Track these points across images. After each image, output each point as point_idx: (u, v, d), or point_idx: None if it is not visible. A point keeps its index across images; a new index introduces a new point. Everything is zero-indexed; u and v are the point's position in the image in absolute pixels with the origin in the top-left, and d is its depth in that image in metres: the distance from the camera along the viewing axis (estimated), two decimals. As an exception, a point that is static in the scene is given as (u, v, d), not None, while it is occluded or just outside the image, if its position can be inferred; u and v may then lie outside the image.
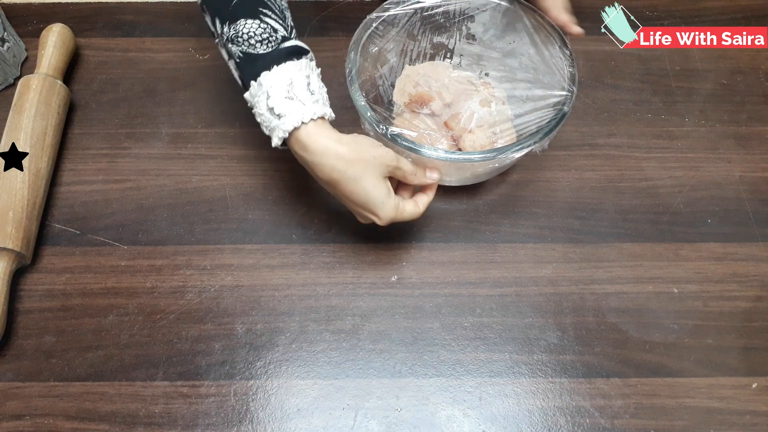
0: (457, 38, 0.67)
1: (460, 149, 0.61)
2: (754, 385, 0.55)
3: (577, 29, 0.59)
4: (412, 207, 0.55)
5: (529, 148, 0.55)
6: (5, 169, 0.60)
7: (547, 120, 0.56)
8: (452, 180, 0.63)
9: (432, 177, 0.56)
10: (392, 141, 0.54)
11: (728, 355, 0.57)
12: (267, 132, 0.53)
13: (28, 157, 0.61)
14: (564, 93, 0.56)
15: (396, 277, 0.60)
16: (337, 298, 0.59)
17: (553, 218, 0.64)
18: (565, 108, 0.56)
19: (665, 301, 0.59)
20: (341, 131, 0.68)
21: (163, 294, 0.59)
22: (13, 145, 0.61)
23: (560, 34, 0.60)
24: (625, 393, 0.55)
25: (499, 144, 0.62)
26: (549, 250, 0.62)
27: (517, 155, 0.54)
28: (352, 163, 0.50)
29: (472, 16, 0.65)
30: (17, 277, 0.60)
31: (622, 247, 0.62)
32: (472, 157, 0.54)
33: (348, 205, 0.54)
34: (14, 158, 0.60)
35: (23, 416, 0.54)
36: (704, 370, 0.56)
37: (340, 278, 0.60)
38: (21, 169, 0.60)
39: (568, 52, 0.59)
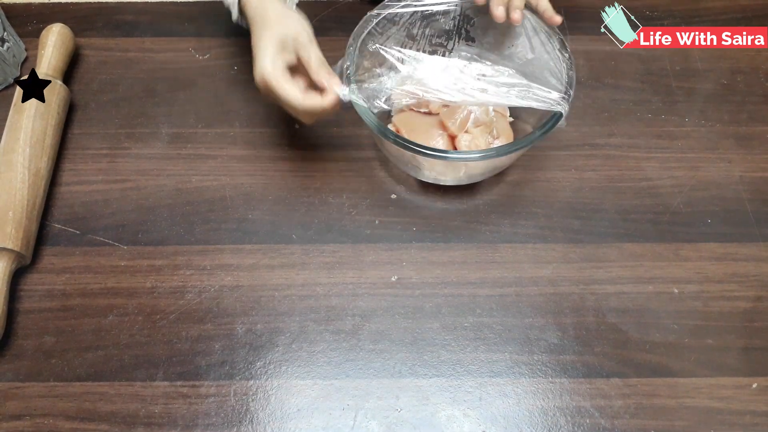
0: (456, 40, 0.67)
1: (456, 149, 0.61)
2: (755, 385, 0.55)
3: (556, 18, 0.59)
4: (294, 91, 0.55)
5: (525, 149, 0.55)
6: (23, 101, 0.62)
7: (544, 121, 0.57)
8: (447, 180, 0.63)
9: (333, 91, 0.56)
10: (390, 140, 0.54)
11: (728, 355, 0.57)
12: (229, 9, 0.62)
13: (28, 156, 0.61)
14: (561, 96, 0.56)
15: (396, 277, 0.60)
16: (337, 298, 0.59)
17: (553, 218, 0.64)
18: (561, 109, 0.56)
19: (665, 301, 0.59)
20: (341, 132, 0.69)
21: (163, 294, 0.59)
22: (33, 73, 0.61)
23: (560, 37, 0.60)
24: (625, 393, 0.55)
25: (496, 144, 0.62)
26: (549, 250, 0.62)
27: (513, 156, 0.54)
28: (266, 18, 0.57)
29: (472, 18, 0.64)
30: (17, 277, 0.59)
31: (623, 247, 0.62)
32: (466, 156, 0.55)
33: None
34: (35, 87, 0.60)
35: (23, 416, 0.53)
36: (704, 370, 0.56)
37: (340, 278, 0.60)
38: (42, 100, 0.60)
39: (567, 55, 0.59)
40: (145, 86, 0.72)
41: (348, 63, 0.58)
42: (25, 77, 0.64)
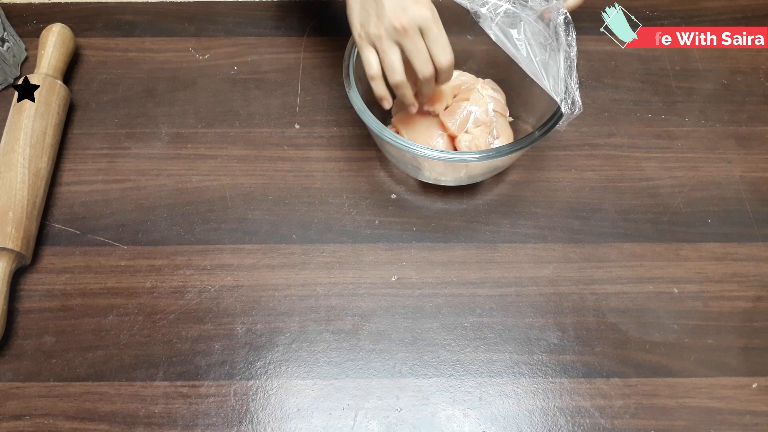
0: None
1: (456, 149, 0.61)
2: (755, 385, 0.55)
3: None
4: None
5: (525, 149, 0.54)
6: (18, 101, 0.62)
7: (544, 121, 0.56)
8: (448, 180, 0.63)
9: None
10: (389, 140, 0.54)
11: (728, 355, 0.57)
12: None
13: (28, 156, 0.61)
14: (561, 96, 0.56)
15: (396, 277, 0.60)
16: (337, 298, 0.59)
17: (553, 218, 0.64)
18: (561, 110, 0.56)
19: (665, 301, 0.59)
20: (341, 132, 0.69)
21: (163, 294, 0.59)
22: (26, 79, 0.61)
23: (564, 39, 0.59)
24: (625, 393, 0.55)
25: (496, 144, 0.62)
26: (549, 250, 0.62)
27: (513, 156, 0.54)
28: None
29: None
30: (17, 277, 0.60)
31: (623, 247, 0.62)
32: (467, 157, 0.55)
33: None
34: (27, 90, 0.60)
35: (23, 416, 0.54)
36: (704, 370, 0.56)
37: (340, 278, 0.60)
38: (33, 101, 0.60)
39: (569, 58, 0.58)
40: (145, 86, 0.72)
41: (348, 64, 0.58)
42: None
